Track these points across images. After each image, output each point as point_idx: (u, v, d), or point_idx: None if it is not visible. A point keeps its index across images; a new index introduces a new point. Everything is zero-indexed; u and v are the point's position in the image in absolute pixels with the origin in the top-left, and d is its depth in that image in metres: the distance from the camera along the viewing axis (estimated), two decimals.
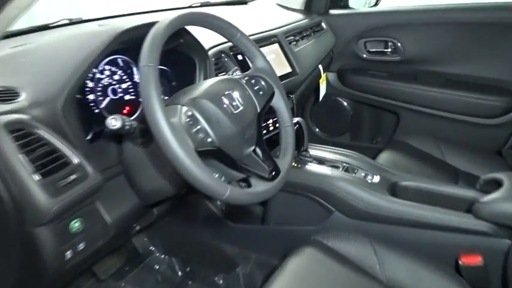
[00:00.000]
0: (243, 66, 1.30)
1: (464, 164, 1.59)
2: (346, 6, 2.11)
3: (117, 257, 1.56)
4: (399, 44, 1.91)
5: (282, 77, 1.51)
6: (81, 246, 0.88)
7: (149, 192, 1.00)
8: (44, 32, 1.31)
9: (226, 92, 0.89)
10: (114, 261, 1.55)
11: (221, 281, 1.56)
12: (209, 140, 0.82)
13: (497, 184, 1.15)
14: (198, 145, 0.79)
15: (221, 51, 1.30)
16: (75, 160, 0.84)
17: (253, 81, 0.98)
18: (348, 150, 1.41)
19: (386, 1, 2.21)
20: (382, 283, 1.01)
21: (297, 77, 1.60)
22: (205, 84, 0.91)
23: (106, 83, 1.08)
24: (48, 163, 0.80)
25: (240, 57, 1.34)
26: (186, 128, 0.80)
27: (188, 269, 1.64)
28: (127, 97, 1.13)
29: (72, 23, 1.43)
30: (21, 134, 0.79)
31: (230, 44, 1.31)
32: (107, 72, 1.09)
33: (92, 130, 1.02)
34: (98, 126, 1.02)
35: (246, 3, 2.16)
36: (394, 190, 1.28)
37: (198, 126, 0.82)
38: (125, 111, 1.13)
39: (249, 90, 0.96)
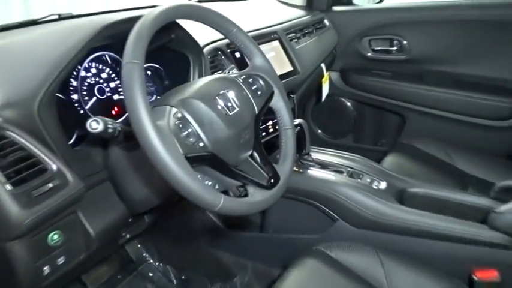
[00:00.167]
0: (241, 64, 1.23)
1: (473, 169, 1.53)
2: (350, 3, 2.05)
3: (108, 264, 1.49)
4: (405, 42, 1.84)
5: (283, 76, 1.45)
6: (60, 260, 0.81)
7: (137, 200, 0.93)
8: (31, 28, 1.23)
9: (221, 92, 0.82)
10: (105, 269, 1.47)
11: None
12: (201, 144, 0.75)
13: None
14: (188, 150, 0.72)
15: (217, 48, 1.23)
16: (53, 166, 0.76)
17: (250, 80, 0.91)
18: (352, 154, 1.34)
19: None
20: None
21: (298, 76, 1.54)
22: (197, 84, 0.83)
23: (92, 82, 1.01)
24: (22, 170, 0.73)
25: (237, 54, 1.27)
26: (175, 132, 0.72)
27: (183, 277, 1.57)
28: (116, 97, 1.06)
29: (61, 18, 1.35)
30: None
31: (227, 40, 1.23)
32: (93, 70, 1.01)
33: (76, 133, 0.95)
34: (82, 129, 0.95)
35: None
36: (401, 197, 1.22)
37: (189, 130, 0.75)
38: (113, 112, 1.05)
39: (246, 90, 0.89)
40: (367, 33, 1.92)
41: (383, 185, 1.23)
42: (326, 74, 1.85)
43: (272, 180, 0.85)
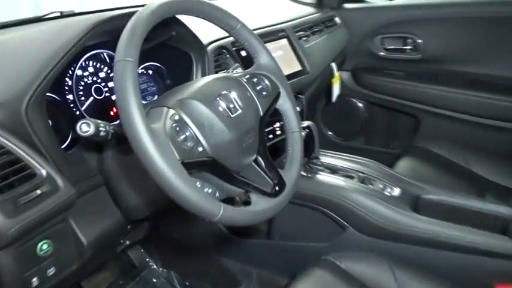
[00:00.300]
0: (247, 63, 1.16)
1: (492, 174, 1.47)
2: (361, 0, 1.98)
3: (109, 270, 1.45)
4: (419, 41, 1.76)
5: (291, 76, 1.39)
6: (51, 271, 0.76)
7: (134, 206, 0.88)
8: (32, 25, 1.19)
9: (223, 92, 0.76)
10: (106, 275, 1.43)
11: None
12: (200, 149, 0.70)
13: None
14: (186, 155, 0.67)
15: (222, 47, 1.17)
16: (43, 171, 0.72)
17: (255, 79, 0.86)
18: (364, 158, 1.28)
19: None
20: None
21: (308, 76, 1.48)
22: (197, 83, 0.78)
23: (89, 81, 0.96)
24: (9, 175, 0.68)
25: (243, 53, 1.21)
26: (171, 135, 0.67)
27: (187, 284, 1.52)
28: (114, 97, 1.00)
29: (63, 15, 1.31)
30: None
31: (233, 38, 1.18)
32: (91, 69, 0.97)
33: (71, 135, 0.90)
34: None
35: None
36: (416, 204, 1.15)
37: (187, 133, 0.70)
38: (111, 114, 1.00)
39: (250, 91, 0.83)
40: (379, 31, 1.85)
41: (396, 191, 1.16)
42: (337, 74, 1.78)
43: (277, 188, 0.79)
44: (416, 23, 1.77)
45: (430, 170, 1.50)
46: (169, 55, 1.06)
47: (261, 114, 0.83)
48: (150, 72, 1.11)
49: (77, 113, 0.92)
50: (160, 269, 1.55)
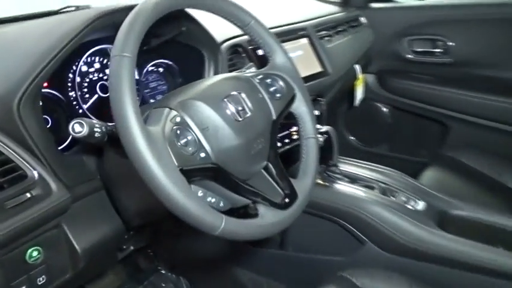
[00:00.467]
0: (264, 63, 1.10)
1: None
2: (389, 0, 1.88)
3: (115, 274, 1.40)
4: (450, 44, 1.66)
5: (311, 77, 1.32)
6: (41, 280, 0.71)
7: (135, 213, 0.82)
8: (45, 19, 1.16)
9: (232, 93, 0.70)
10: (111, 280, 1.38)
11: None
12: (202, 155, 0.64)
13: None
14: (185, 162, 0.61)
15: (237, 45, 1.11)
16: (34, 173, 0.67)
17: (268, 80, 0.79)
18: (386, 167, 1.19)
19: None
20: None
21: (329, 78, 1.40)
22: (204, 83, 0.72)
23: (95, 78, 0.91)
24: None
25: (260, 52, 1.14)
26: (170, 139, 0.61)
27: None
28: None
29: (79, 9, 1.28)
30: None
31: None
32: (97, 65, 0.92)
33: (70, 136, 0.85)
34: None
35: None
36: (441, 221, 1.06)
37: (188, 137, 0.63)
38: None
39: (263, 92, 0.77)
40: (407, 32, 1.75)
41: (421, 205, 1.08)
42: (361, 77, 1.70)
43: (287, 199, 0.73)
44: (447, 24, 1.67)
45: (458, 182, 1.41)
46: (181, 52, 1.00)
47: (274, 117, 0.77)
48: (161, 70, 1.06)
49: (80, 111, 0.88)
50: (169, 273, 1.50)
